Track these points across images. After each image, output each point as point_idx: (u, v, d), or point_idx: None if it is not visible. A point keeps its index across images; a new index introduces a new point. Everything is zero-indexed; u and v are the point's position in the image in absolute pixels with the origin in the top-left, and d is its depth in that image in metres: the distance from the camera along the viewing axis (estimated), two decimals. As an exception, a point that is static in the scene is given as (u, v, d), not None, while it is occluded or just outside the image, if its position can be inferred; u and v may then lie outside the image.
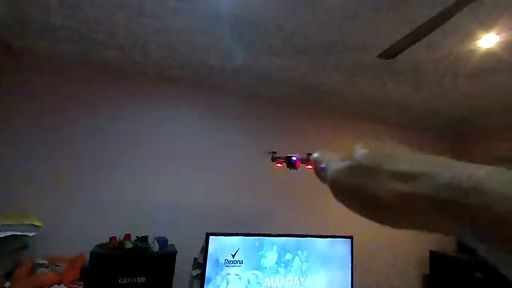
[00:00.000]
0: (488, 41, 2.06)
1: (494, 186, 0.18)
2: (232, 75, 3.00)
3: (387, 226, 0.24)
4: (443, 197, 0.20)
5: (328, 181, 0.27)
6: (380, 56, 1.83)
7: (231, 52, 2.53)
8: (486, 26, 1.91)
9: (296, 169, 2.92)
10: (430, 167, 0.22)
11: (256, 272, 1.86)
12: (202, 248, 2.51)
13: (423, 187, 0.21)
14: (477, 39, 2.06)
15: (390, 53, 1.74)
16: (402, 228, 0.23)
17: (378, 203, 0.23)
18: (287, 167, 2.92)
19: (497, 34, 1.98)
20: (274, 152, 2.95)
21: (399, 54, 1.75)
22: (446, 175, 0.21)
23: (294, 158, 2.93)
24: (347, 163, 0.26)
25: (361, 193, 0.24)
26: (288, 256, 1.93)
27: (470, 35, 2.03)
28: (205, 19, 2.06)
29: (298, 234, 2.00)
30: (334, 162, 0.27)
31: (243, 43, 2.36)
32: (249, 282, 1.84)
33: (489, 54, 2.23)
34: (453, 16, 1.36)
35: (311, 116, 3.80)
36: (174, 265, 2.58)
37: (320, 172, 0.29)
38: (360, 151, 0.26)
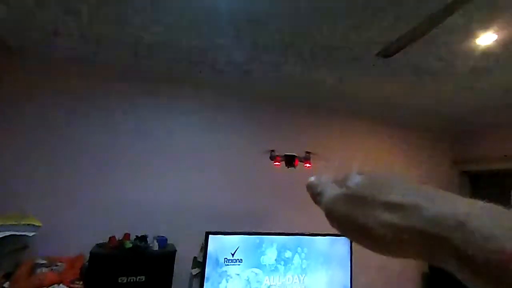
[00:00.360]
0: (486, 39, 2.07)
1: (478, 223, 0.19)
2: (232, 75, 3.00)
3: (379, 254, 0.24)
4: (430, 231, 0.20)
5: (323, 207, 0.27)
6: (378, 54, 1.83)
7: (231, 52, 2.53)
8: (484, 24, 1.92)
9: (295, 167, 2.93)
10: (420, 199, 0.22)
11: (256, 270, 1.87)
12: (201, 247, 2.51)
13: (411, 219, 0.21)
14: (476, 38, 2.06)
15: (389, 52, 1.74)
16: (394, 257, 0.24)
17: (369, 233, 0.23)
18: (286, 166, 2.94)
19: (495, 32, 1.98)
20: (272, 151, 2.96)
21: (398, 53, 1.75)
22: (434, 209, 0.21)
23: (292, 157, 2.94)
24: (341, 191, 0.26)
25: (353, 222, 0.24)
26: (288, 254, 1.93)
27: (468, 34, 2.03)
28: (205, 19, 2.06)
29: (297, 233, 2.00)
30: (329, 188, 0.28)
31: (242, 43, 2.36)
32: (248, 281, 1.85)
33: (488, 53, 2.23)
34: (451, 15, 1.37)
35: (310, 115, 3.81)
36: (174, 264, 2.58)
37: (316, 197, 0.29)
38: (355, 179, 0.26)
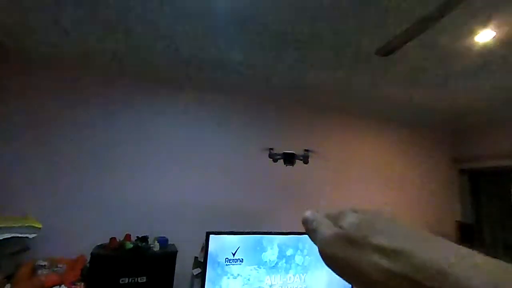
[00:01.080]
0: (485, 36, 2.07)
1: (462, 275, 0.19)
2: (230, 75, 3.00)
3: None
4: (416, 278, 0.20)
5: (317, 246, 0.27)
6: (377, 53, 1.83)
7: (230, 52, 2.53)
8: (483, 21, 1.92)
9: (293, 165, 2.93)
10: (408, 244, 0.22)
11: (257, 270, 1.87)
12: (202, 247, 2.51)
13: (401, 265, 0.21)
14: (474, 35, 2.07)
15: (387, 50, 1.74)
16: None
17: (361, 275, 0.23)
18: (284, 164, 2.94)
19: (493, 29, 1.99)
20: (271, 149, 2.95)
21: (397, 51, 1.75)
22: (421, 255, 0.21)
23: (291, 155, 2.94)
24: (335, 230, 0.26)
25: (346, 263, 0.24)
26: (289, 252, 1.94)
27: (467, 31, 2.03)
28: (204, 19, 2.06)
29: (298, 232, 2.00)
30: (323, 226, 0.28)
31: (241, 43, 2.36)
32: (249, 280, 1.85)
33: (486, 50, 2.23)
34: (450, 12, 1.37)
35: (309, 113, 3.81)
36: (175, 264, 2.58)
37: (311, 233, 0.29)
38: (348, 218, 0.27)
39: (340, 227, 0.26)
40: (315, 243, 0.28)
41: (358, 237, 0.24)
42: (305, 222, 0.30)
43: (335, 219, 0.28)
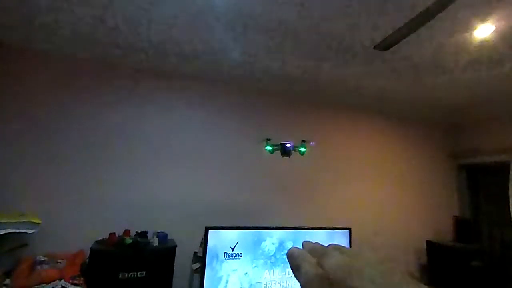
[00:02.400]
0: (484, 31, 2.06)
1: None
2: (229, 70, 2.99)
3: None
4: None
5: (300, 284, 0.28)
6: (376, 47, 1.83)
7: (229, 47, 2.51)
8: (482, 16, 1.91)
9: (289, 157, 2.94)
10: None
11: (256, 264, 1.88)
12: (201, 242, 2.53)
13: None
14: (473, 29, 2.06)
15: (386, 44, 1.74)
16: None
17: None
18: (281, 155, 2.94)
19: (493, 24, 1.98)
20: (268, 139, 2.96)
21: (395, 45, 1.75)
22: None
23: (288, 145, 2.94)
24: (316, 271, 0.27)
25: None
26: (288, 244, 1.95)
27: (466, 26, 2.02)
28: (202, 13, 2.04)
29: (296, 227, 2.01)
30: (307, 264, 0.28)
31: (239, 38, 2.35)
32: (248, 275, 1.86)
33: (485, 44, 2.23)
34: (448, 6, 1.36)
35: (308, 107, 3.80)
36: (174, 259, 2.60)
37: (295, 270, 0.29)
38: (331, 260, 0.27)
39: (322, 266, 0.27)
40: (298, 280, 0.28)
41: (338, 280, 0.25)
42: (290, 258, 0.31)
43: (318, 257, 0.28)
